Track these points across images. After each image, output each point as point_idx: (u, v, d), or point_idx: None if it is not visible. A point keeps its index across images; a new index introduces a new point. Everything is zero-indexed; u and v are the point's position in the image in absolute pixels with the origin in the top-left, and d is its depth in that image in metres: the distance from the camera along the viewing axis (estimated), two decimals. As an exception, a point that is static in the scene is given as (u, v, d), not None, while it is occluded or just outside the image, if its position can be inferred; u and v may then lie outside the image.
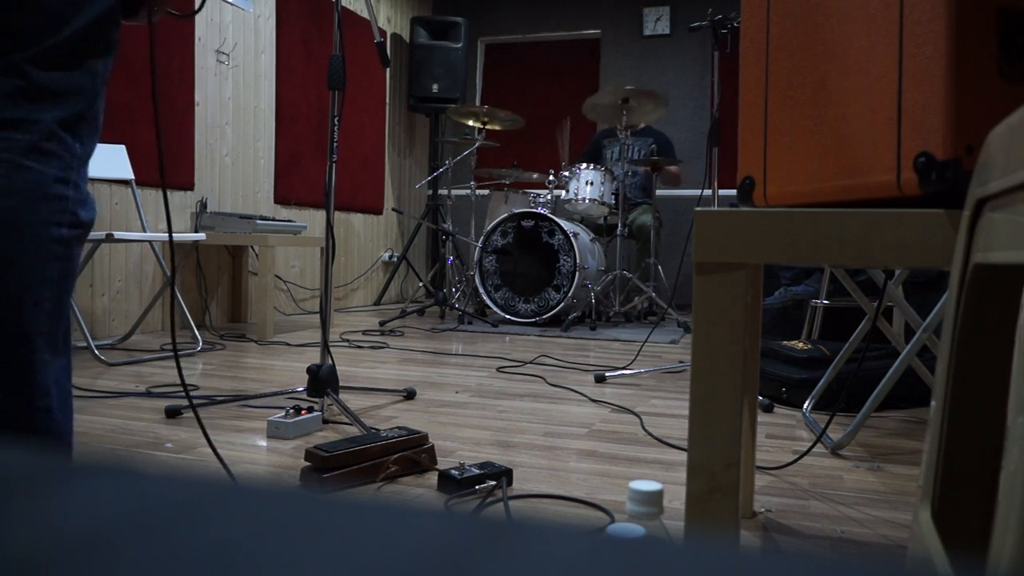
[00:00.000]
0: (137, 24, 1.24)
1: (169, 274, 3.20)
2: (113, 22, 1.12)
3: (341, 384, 2.13)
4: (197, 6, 1.63)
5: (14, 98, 1.00)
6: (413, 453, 1.58)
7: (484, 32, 6.43)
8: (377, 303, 5.63)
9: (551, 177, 4.56)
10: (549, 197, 4.49)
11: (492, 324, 4.23)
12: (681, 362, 3.05)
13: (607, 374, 2.71)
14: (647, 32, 6.04)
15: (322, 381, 1.99)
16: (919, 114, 0.84)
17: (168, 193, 3.81)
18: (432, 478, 1.54)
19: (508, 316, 4.29)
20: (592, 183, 4.44)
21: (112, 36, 1.13)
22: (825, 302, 2.81)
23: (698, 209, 0.94)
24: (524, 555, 0.16)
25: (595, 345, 3.60)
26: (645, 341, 3.37)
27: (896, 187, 0.87)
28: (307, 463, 1.51)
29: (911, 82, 0.85)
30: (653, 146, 4.73)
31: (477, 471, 1.48)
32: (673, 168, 4.86)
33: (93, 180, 3.32)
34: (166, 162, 3.72)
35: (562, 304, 4.14)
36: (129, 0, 1.19)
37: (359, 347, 3.38)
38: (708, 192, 2.72)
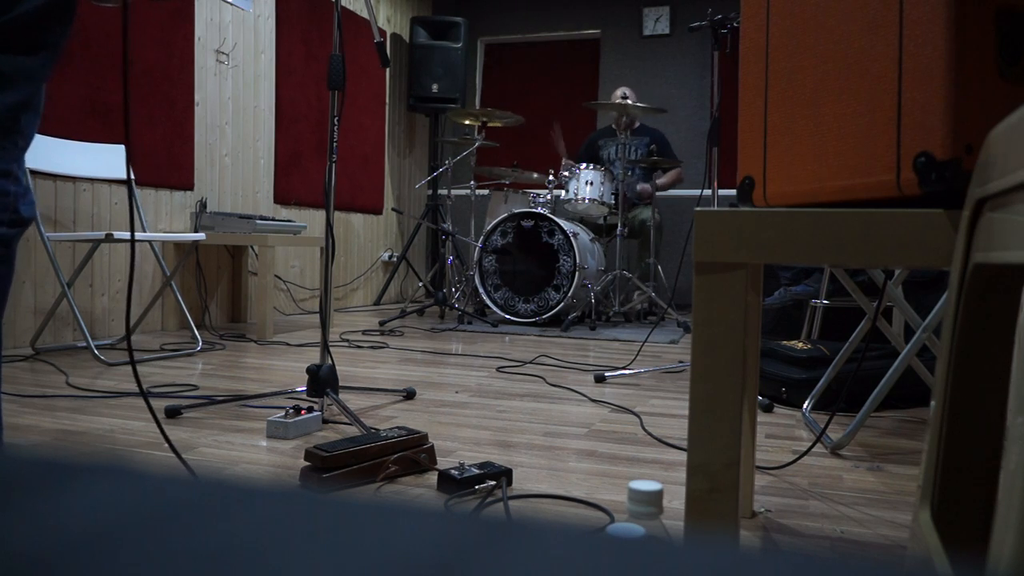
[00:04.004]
0: (110, 6, 1.17)
1: (168, 274, 3.20)
2: (66, 7, 1.05)
3: (341, 384, 2.13)
4: None
5: None
6: (413, 453, 1.58)
7: (484, 32, 6.43)
8: (377, 303, 5.63)
9: (551, 177, 4.56)
10: (549, 197, 4.49)
11: (492, 324, 4.23)
12: (681, 362, 3.05)
13: (607, 374, 2.71)
14: (647, 32, 6.04)
15: (322, 381, 1.99)
16: (919, 114, 0.84)
17: (168, 193, 3.81)
18: (432, 478, 1.54)
19: (508, 316, 4.29)
20: (592, 183, 4.44)
21: (64, 22, 1.05)
22: (825, 302, 2.81)
23: (698, 209, 0.94)
24: (524, 555, 0.16)
25: (595, 345, 3.60)
26: (645, 341, 3.37)
27: (896, 187, 0.87)
28: (307, 463, 1.51)
29: (911, 82, 0.85)
30: (652, 146, 4.73)
31: (477, 471, 1.47)
32: (667, 179, 4.88)
33: (92, 180, 3.32)
34: (163, 160, 3.72)
35: (562, 304, 4.14)
36: None
37: (359, 347, 3.38)
38: (708, 192, 2.72)
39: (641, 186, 4.77)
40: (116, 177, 3.32)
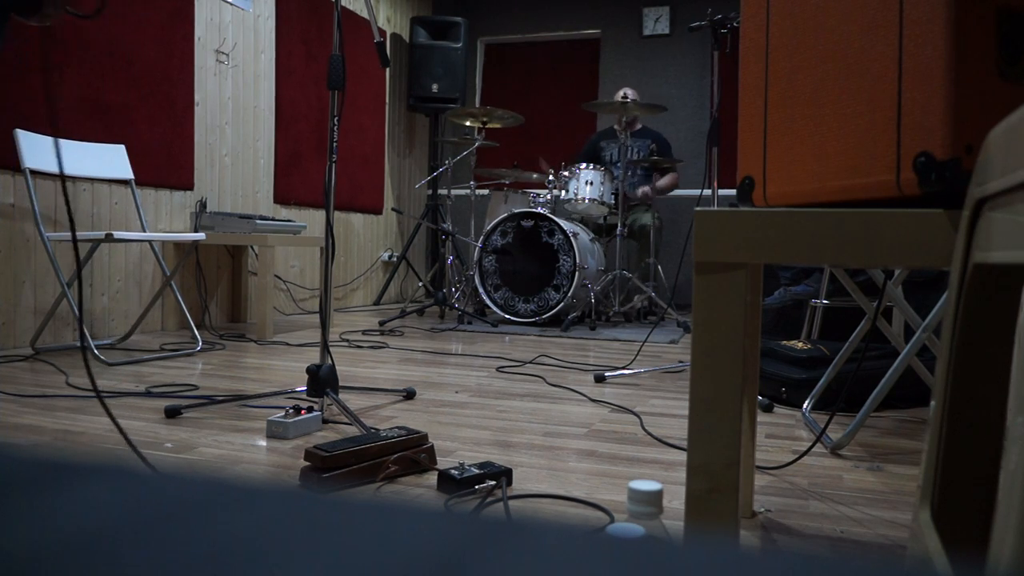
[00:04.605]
0: (35, 24, 1.15)
1: (168, 273, 3.20)
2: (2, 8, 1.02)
3: (341, 384, 2.13)
4: (96, 8, 1.56)
5: None
6: (413, 453, 1.58)
7: (484, 32, 6.43)
8: (377, 303, 5.63)
9: (551, 177, 4.56)
10: (549, 197, 4.50)
11: (492, 324, 4.23)
12: (681, 362, 3.05)
13: (607, 374, 2.71)
14: (647, 32, 6.04)
15: (322, 381, 1.99)
16: (919, 114, 0.84)
17: (168, 193, 3.81)
18: (432, 478, 1.54)
19: (508, 316, 4.29)
20: (592, 183, 4.44)
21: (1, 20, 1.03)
22: (825, 302, 2.81)
23: (698, 209, 0.94)
24: (524, 555, 0.16)
25: (595, 345, 3.60)
26: (645, 341, 3.37)
27: (896, 187, 0.87)
28: (307, 463, 1.51)
29: (911, 82, 0.85)
30: (652, 146, 4.73)
31: (477, 471, 1.47)
32: (665, 182, 4.88)
33: (92, 180, 3.32)
34: (163, 160, 3.72)
35: (562, 304, 4.14)
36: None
37: (359, 347, 3.38)
38: (708, 192, 2.72)
39: (642, 190, 4.76)
40: (116, 177, 3.32)
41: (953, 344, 0.60)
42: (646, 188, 4.75)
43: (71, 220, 1.05)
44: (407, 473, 1.57)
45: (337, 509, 0.19)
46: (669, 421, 2.10)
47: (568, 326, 4.07)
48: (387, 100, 5.76)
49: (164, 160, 3.70)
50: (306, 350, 3.24)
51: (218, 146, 4.08)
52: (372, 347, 3.39)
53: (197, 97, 3.91)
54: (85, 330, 2.79)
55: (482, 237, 4.37)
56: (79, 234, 2.87)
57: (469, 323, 4.26)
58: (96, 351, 2.74)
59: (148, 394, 2.26)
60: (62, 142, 3.10)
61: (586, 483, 1.55)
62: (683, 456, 1.74)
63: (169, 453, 1.70)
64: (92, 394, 2.25)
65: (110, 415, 1.18)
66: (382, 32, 3.08)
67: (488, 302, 4.33)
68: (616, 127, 4.57)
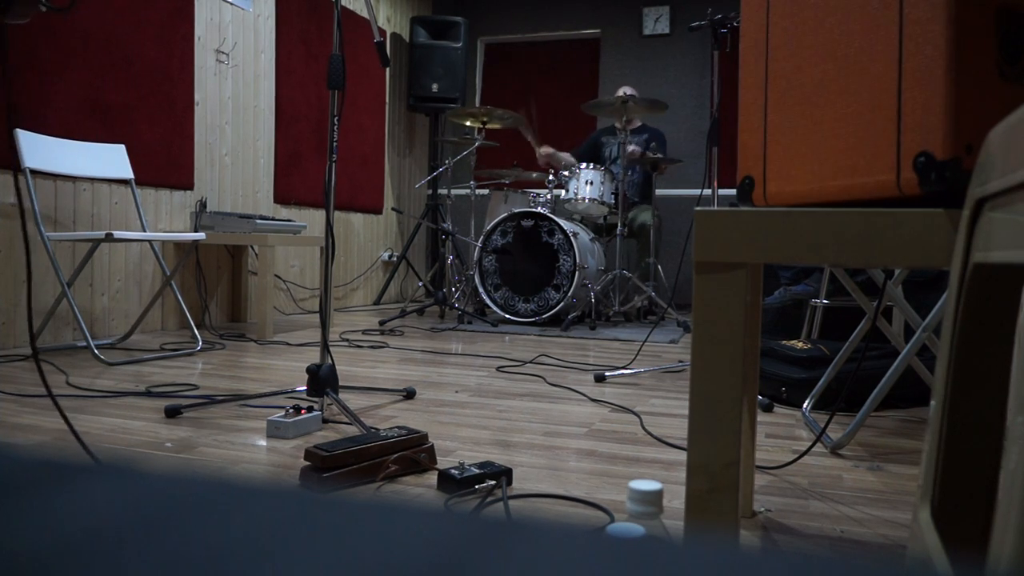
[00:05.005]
0: (8, 21, 1.13)
1: (168, 273, 3.20)
2: None
3: (341, 384, 2.13)
4: (69, 2, 1.55)
5: None
6: (413, 453, 1.58)
7: (484, 32, 6.43)
8: (377, 303, 5.62)
9: (551, 177, 4.56)
10: (549, 197, 4.50)
11: (492, 324, 4.23)
12: (681, 362, 3.05)
13: (607, 374, 2.70)
14: (647, 32, 6.04)
15: (322, 381, 1.99)
16: (919, 114, 0.84)
17: (168, 193, 3.81)
18: (432, 478, 1.54)
19: (508, 316, 4.29)
20: (592, 183, 4.44)
21: None
22: (825, 302, 2.81)
23: (698, 209, 0.94)
24: (524, 555, 0.16)
25: (595, 345, 3.60)
26: (645, 341, 3.37)
27: (896, 187, 0.87)
28: (307, 463, 1.51)
29: (911, 82, 0.85)
30: (653, 144, 4.73)
31: (477, 471, 1.48)
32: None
33: (92, 180, 3.33)
34: (163, 160, 3.72)
35: (562, 304, 4.14)
36: None
37: (359, 347, 3.38)
38: (708, 192, 2.72)
39: (632, 148, 4.65)
40: (116, 177, 3.32)
41: (953, 344, 0.61)
42: (636, 148, 4.66)
43: (22, 213, 1.05)
44: (407, 473, 1.57)
45: (337, 509, 0.19)
46: (669, 421, 2.10)
47: (568, 326, 4.07)
48: (387, 100, 5.76)
49: (164, 160, 3.70)
50: (306, 350, 3.24)
51: (218, 146, 4.08)
52: (372, 347, 3.39)
53: (197, 97, 3.91)
54: (85, 329, 2.79)
55: (482, 237, 4.37)
56: (79, 234, 2.87)
57: (469, 323, 4.26)
58: (96, 351, 2.74)
59: (148, 394, 2.26)
60: (62, 142, 3.10)
61: (586, 483, 1.55)
62: (683, 456, 1.74)
63: (169, 453, 1.70)
64: (93, 394, 2.25)
65: (60, 411, 1.18)
66: (382, 32, 3.08)
67: (488, 302, 4.33)
68: (617, 125, 4.57)
